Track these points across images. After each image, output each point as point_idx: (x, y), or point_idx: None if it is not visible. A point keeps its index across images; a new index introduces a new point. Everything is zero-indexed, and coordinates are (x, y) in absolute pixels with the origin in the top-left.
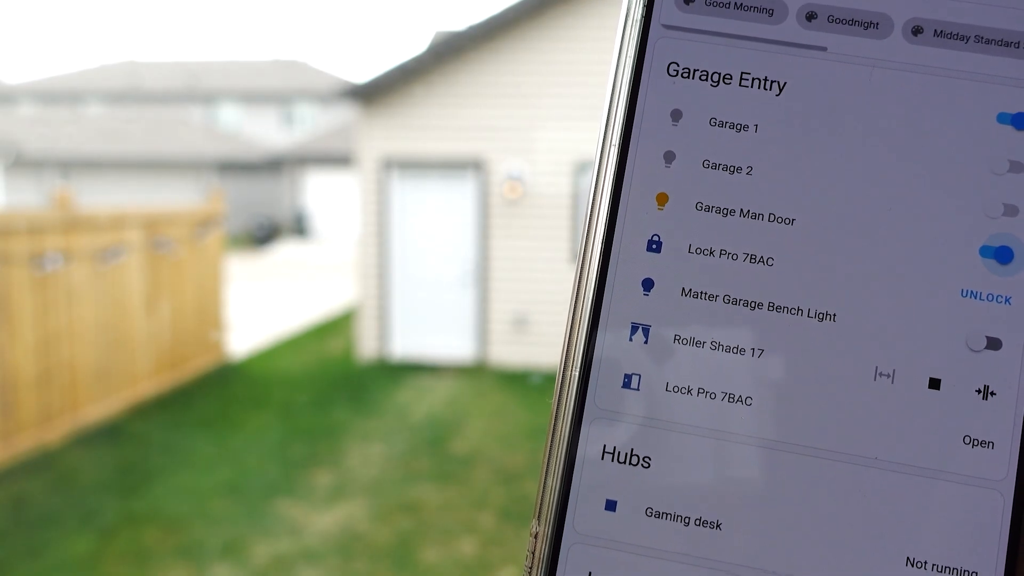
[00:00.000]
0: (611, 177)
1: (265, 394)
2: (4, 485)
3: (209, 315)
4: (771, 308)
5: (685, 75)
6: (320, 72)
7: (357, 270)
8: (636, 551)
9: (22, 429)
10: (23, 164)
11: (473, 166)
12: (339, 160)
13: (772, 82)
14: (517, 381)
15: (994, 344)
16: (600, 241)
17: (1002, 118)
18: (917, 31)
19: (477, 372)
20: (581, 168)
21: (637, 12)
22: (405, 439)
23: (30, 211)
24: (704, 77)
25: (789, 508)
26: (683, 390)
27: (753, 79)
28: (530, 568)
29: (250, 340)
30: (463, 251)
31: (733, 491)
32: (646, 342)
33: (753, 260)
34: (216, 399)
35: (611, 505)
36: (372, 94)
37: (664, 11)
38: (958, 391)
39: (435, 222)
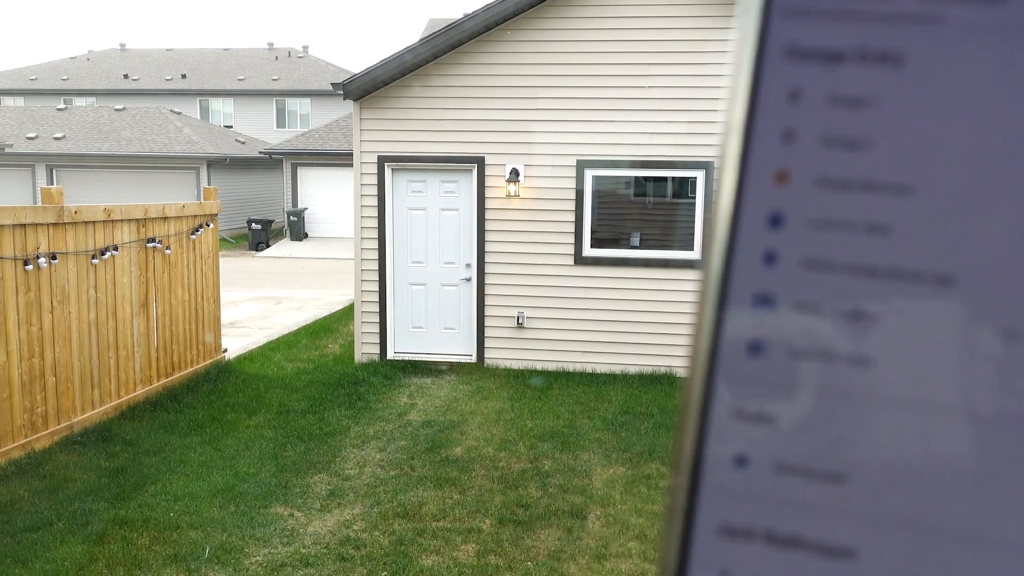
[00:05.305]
0: (734, 158)
1: (260, 396)
2: None
3: (203, 315)
4: (891, 275)
5: (803, 55)
6: (315, 63)
7: (354, 270)
8: (767, 503)
9: (11, 433)
10: (8, 159)
11: (473, 166)
12: (336, 157)
13: (891, 56)
14: (516, 382)
15: None
16: (726, 219)
17: None
18: None
19: (475, 373)
20: (581, 167)
21: None
22: (403, 442)
23: (18, 208)
24: (822, 56)
25: (920, 462)
26: (807, 355)
27: (872, 54)
28: (670, 517)
29: (245, 340)
30: (461, 251)
31: (856, 446)
32: (770, 313)
33: (873, 230)
34: (210, 401)
35: (742, 461)
36: (368, 91)
37: None
38: None
39: (433, 222)
